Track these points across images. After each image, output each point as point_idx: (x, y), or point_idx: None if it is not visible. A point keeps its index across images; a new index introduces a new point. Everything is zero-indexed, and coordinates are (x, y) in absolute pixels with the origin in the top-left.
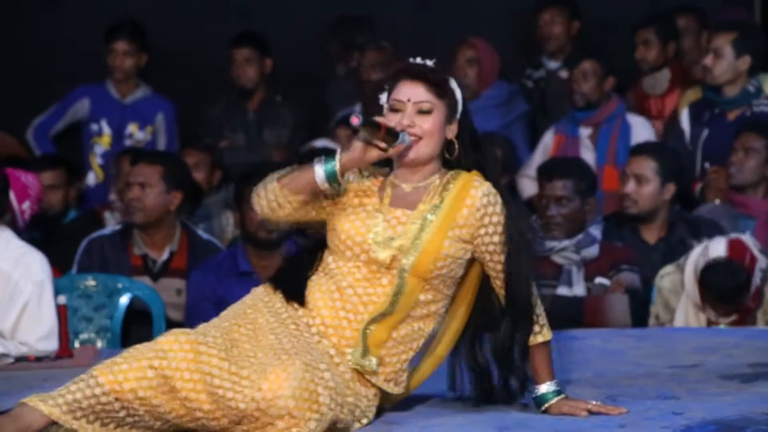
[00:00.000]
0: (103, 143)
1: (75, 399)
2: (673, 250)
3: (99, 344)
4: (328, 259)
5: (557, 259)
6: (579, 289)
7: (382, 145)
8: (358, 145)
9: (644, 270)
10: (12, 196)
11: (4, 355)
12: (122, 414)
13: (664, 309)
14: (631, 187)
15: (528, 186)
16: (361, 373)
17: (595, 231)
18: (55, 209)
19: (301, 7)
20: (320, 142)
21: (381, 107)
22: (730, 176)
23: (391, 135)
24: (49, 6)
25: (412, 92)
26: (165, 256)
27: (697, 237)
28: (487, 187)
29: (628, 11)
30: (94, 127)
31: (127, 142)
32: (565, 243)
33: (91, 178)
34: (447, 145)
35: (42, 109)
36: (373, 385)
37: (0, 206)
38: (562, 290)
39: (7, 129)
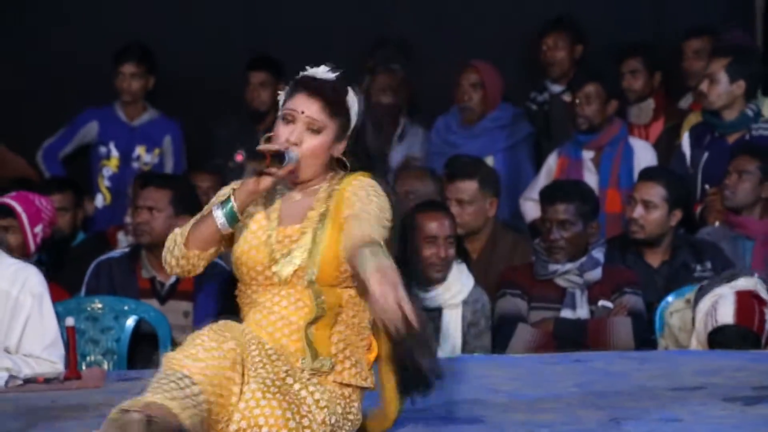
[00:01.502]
0: (111, 166)
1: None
2: (677, 274)
3: (106, 366)
4: (244, 290)
5: (560, 282)
6: (582, 312)
7: (273, 170)
8: (250, 179)
9: (647, 293)
10: (25, 219)
11: (13, 378)
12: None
13: (674, 345)
14: (638, 212)
15: (531, 209)
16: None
17: (598, 254)
18: (63, 232)
19: (314, 29)
20: None
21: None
22: (725, 198)
23: (278, 158)
24: (58, 28)
25: (308, 106)
26: (172, 278)
27: (699, 260)
28: (367, 180)
29: (634, 35)
30: (102, 149)
31: (135, 165)
32: (568, 266)
33: (99, 201)
34: (336, 161)
35: (52, 131)
36: (347, 385)
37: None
38: (566, 313)
39: (17, 151)
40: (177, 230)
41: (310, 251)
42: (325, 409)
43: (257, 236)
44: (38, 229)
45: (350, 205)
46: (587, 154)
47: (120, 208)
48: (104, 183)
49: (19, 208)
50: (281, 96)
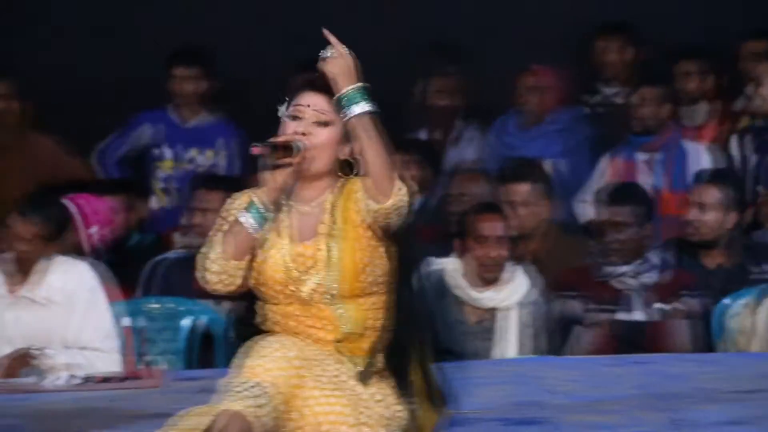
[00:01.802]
0: (164, 167)
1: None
2: (733, 276)
3: (163, 366)
4: (268, 307)
5: (616, 284)
6: (638, 315)
7: (287, 160)
8: (266, 175)
9: (704, 295)
10: (79, 220)
11: (73, 377)
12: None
13: (733, 348)
14: (695, 214)
15: (585, 211)
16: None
17: (654, 256)
18: (117, 233)
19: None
20: None
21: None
22: None
23: (288, 148)
24: (113, 32)
25: (313, 101)
26: None
27: (757, 262)
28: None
29: (689, 38)
30: (156, 151)
31: (189, 167)
32: (624, 268)
33: (154, 202)
34: (341, 165)
35: (108, 133)
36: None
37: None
38: (623, 315)
39: (74, 154)
40: (203, 250)
41: (327, 267)
42: (381, 403)
43: (272, 255)
44: (93, 230)
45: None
46: (642, 156)
47: (175, 210)
48: (159, 185)
49: (74, 209)
50: (281, 108)
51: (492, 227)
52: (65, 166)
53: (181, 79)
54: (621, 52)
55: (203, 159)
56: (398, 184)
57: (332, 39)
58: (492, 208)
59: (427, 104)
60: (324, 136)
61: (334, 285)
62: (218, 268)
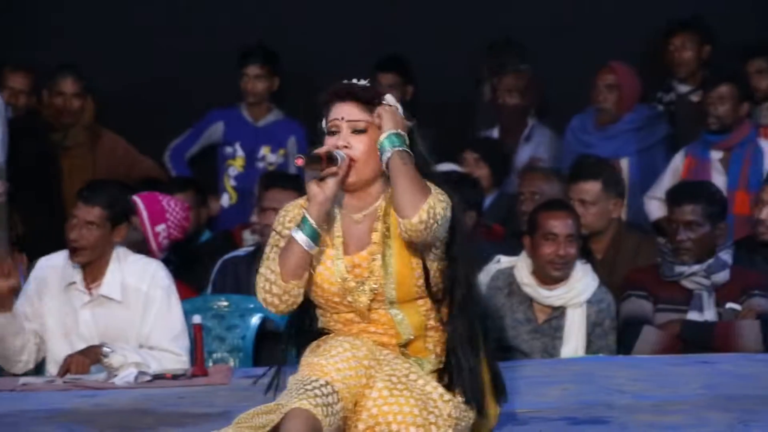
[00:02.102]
0: (236, 165)
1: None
2: None
3: (231, 363)
4: (328, 316)
5: (687, 284)
6: (709, 314)
7: (332, 170)
8: (313, 189)
9: None
10: (145, 217)
11: (142, 374)
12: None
13: None
14: (765, 213)
15: (655, 208)
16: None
17: (726, 256)
18: (188, 231)
19: (441, 29)
20: (446, 166)
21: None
22: None
23: (332, 159)
24: (184, 31)
25: (346, 111)
26: None
27: None
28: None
29: (760, 34)
30: (228, 149)
31: (260, 165)
32: (695, 268)
33: (225, 200)
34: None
35: (179, 132)
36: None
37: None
38: (693, 315)
39: (146, 153)
40: (262, 271)
41: (384, 275)
42: (450, 403)
43: (327, 267)
44: (160, 228)
45: None
46: (716, 155)
47: (246, 207)
48: (230, 182)
49: (141, 205)
50: (321, 125)
51: (560, 225)
52: (138, 164)
53: (254, 77)
54: (695, 50)
55: (275, 157)
56: (428, 203)
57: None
58: (561, 205)
59: (498, 103)
60: (363, 143)
61: (392, 292)
62: (278, 290)
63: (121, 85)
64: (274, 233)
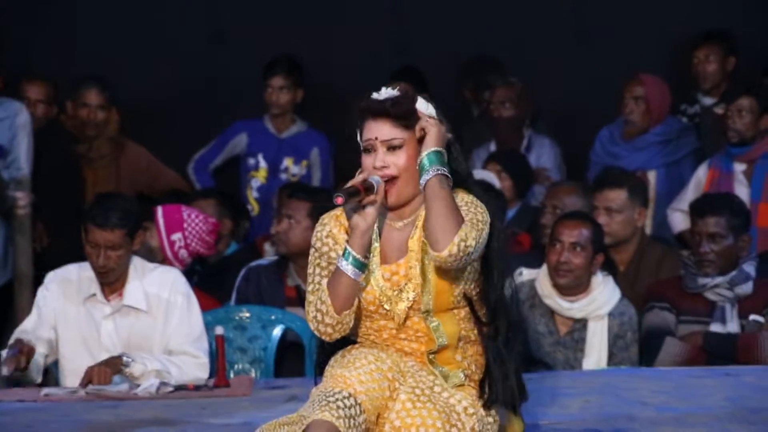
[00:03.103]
0: (259, 177)
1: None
2: None
3: (253, 374)
4: (361, 324)
5: (710, 295)
6: (733, 326)
7: (370, 199)
8: (354, 219)
9: None
10: (161, 224)
11: (164, 384)
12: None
13: None
14: None
15: (678, 220)
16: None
17: (749, 268)
18: (210, 244)
19: (462, 42)
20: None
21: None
22: None
23: (368, 187)
24: (209, 44)
25: (379, 131)
26: None
27: None
28: (461, 195)
29: None
30: (251, 161)
31: (283, 176)
32: (719, 280)
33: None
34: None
35: (202, 145)
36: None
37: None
38: (716, 327)
39: (170, 165)
40: (312, 299)
41: (422, 284)
42: (474, 417)
43: (364, 278)
44: (176, 237)
45: None
46: (739, 167)
47: (268, 219)
48: (252, 194)
49: (159, 213)
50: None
51: (566, 233)
52: (162, 176)
53: (278, 89)
54: (720, 62)
55: (298, 169)
56: (460, 235)
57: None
58: (575, 215)
59: (493, 116)
60: (401, 159)
61: (429, 301)
62: (332, 320)
63: (145, 97)
64: (313, 250)
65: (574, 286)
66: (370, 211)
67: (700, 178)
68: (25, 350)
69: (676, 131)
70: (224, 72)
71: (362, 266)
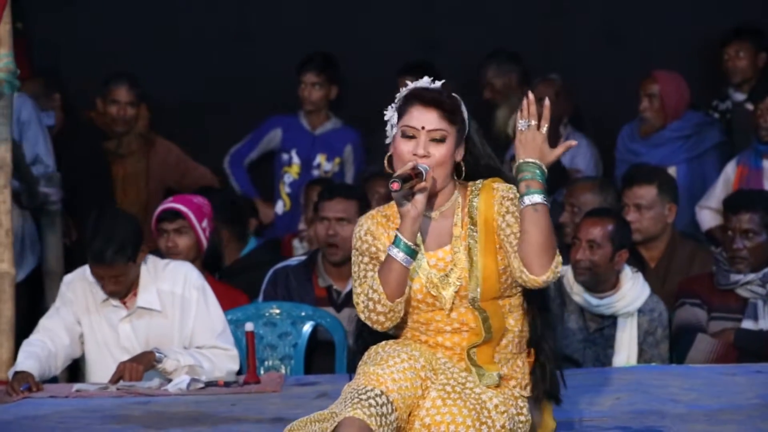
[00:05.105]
0: (292, 172)
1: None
2: None
3: (283, 371)
4: (406, 319)
5: (742, 292)
6: (765, 323)
7: (421, 185)
8: (404, 206)
9: None
10: (193, 217)
11: (195, 380)
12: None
13: None
14: None
15: (707, 217)
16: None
17: None
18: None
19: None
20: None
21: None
22: None
23: (418, 174)
24: (242, 40)
25: (426, 119)
26: (349, 286)
27: None
28: (504, 188)
29: None
30: (285, 156)
31: (315, 173)
32: (751, 276)
33: (280, 207)
34: (455, 165)
35: (235, 142)
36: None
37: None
38: (748, 324)
39: (201, 161)
40: (361, 290)
41: (470, 269)
42: (504, 414)
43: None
44: (205, 223)
45: (508, 223)
46: None
47: (298, 216)
48: (285, 189)
49: (184, 208)
50: (388, 112)
51: (584, 230)
52: (191, 172)
53: (311, 85)
54: (750, 58)
55: (330, 165)
56: (556, 261)
57: (531, 109)
58: (597, 212)
59: None
60: (443, 152)
61: (476, 287)
62: (384, 308)
63: (175, 93)
64: (354, 251)
65: (597, 283)
66: (420, 198)
67: (729, 175)
68: (34, 390)
69: (695, 126)
70: (258, 69)
71: (413, 253)
